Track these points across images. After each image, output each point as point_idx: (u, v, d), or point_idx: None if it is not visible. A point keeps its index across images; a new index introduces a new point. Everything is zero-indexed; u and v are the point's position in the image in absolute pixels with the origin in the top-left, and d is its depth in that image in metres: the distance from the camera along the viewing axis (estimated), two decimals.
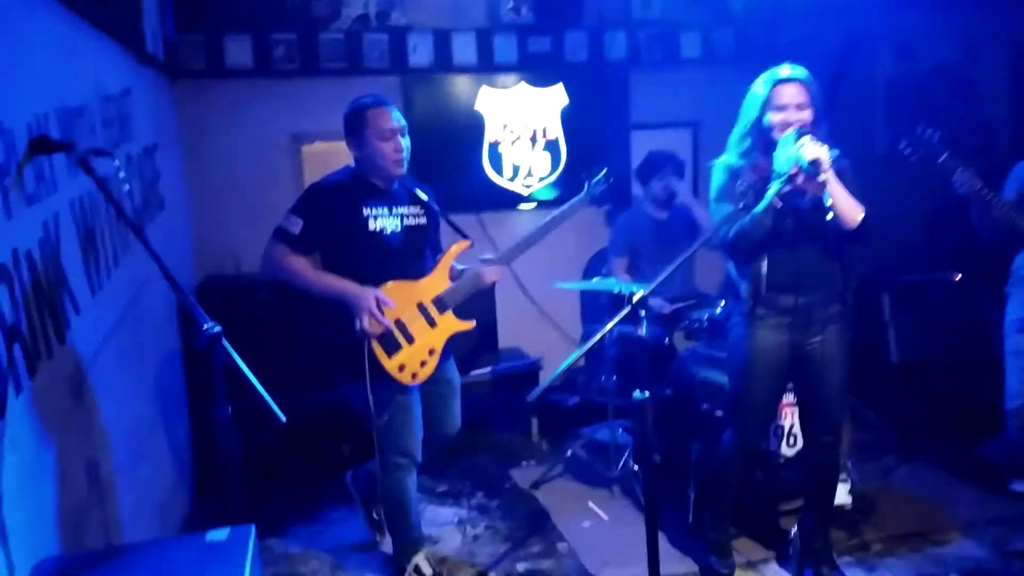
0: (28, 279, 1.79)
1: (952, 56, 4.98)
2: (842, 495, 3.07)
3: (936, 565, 2.78)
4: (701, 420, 3.13)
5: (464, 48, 4.28)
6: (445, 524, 3.28)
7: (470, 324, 2.75)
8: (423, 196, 2.74)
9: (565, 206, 2.94)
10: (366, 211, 2.59)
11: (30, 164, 1.84)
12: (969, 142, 4.75)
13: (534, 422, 4.06)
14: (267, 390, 1.76)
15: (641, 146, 4.45)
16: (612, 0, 4.48)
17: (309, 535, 3.19)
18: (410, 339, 2.59)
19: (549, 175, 4.51)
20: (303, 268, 2.58)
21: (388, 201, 2.65)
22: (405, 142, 2.62)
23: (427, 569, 2.76)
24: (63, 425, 1.95)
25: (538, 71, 4.40)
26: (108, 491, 2.26)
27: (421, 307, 2.64)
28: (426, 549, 2.85)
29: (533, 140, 4.47)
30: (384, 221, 2.62)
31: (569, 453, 3.64)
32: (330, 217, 2.58)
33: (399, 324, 2.58)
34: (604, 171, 3.02)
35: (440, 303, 2.68)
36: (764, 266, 2.45)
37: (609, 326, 1.96)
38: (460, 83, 4.33)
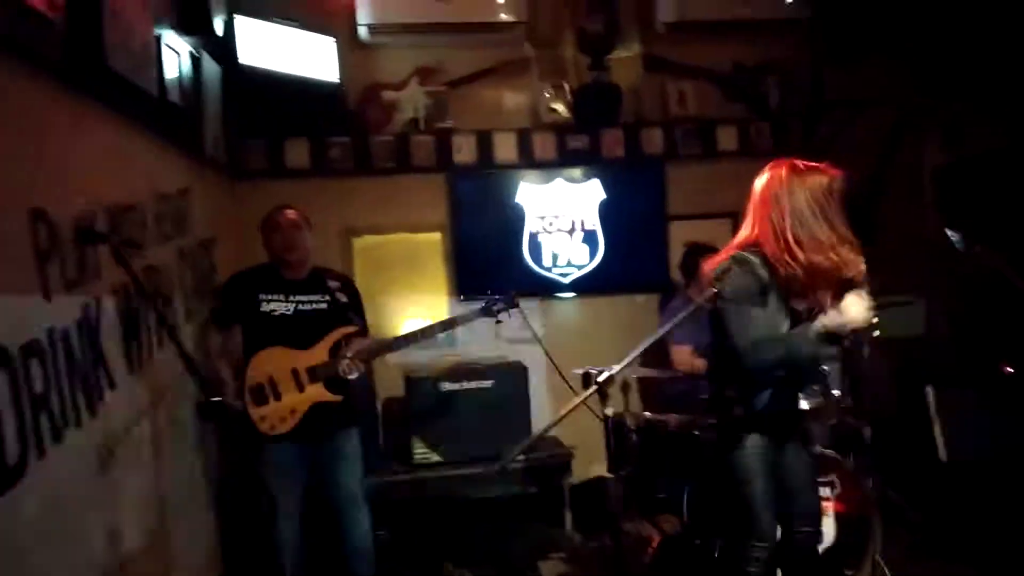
0: (63, 355, 2.01)
1: (999, 142, 4.91)
2: None
3: None
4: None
5: (505, 146, 4.52)
6: None
7: (336, 397, 3.17)
8: (332, 285, 3.27)
9: (456, 316, 3.46)
10: (261, 296, 3.20)
11: (74, 252, 2.10)
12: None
13: (568, 515, 4.02)
14: None
15: (679, 236, 4.55)
16: (649, 99, 4.68)
17: None
18: (277, 397, 3.10)
19: (587, 264, 4.62)
20: (212, 345, 3.21)
21: (289, 289, 3.23)
22: (300, 239, 3.24)
23: None
24: (86, 492, 2.13)
25: (576, 166, 4.60)
26: (132, 561, 2.39)
27: (295, 372, 3.14)
28: None
29: (571, 232, 4.62)
30: (276, 305, 3.21)
31: (596, 544, 3.60)
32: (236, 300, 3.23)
33: (271, 382, 3.10)
34: (511, 294, 3.38)
35: (312, 373, 3.15)
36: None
37: (573, 405, 2.01)
38: (502, 177, 4.56)
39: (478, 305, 3.38)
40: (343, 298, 3.27)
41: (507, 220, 4.55)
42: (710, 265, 2.40)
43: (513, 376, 4.04)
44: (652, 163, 4.65)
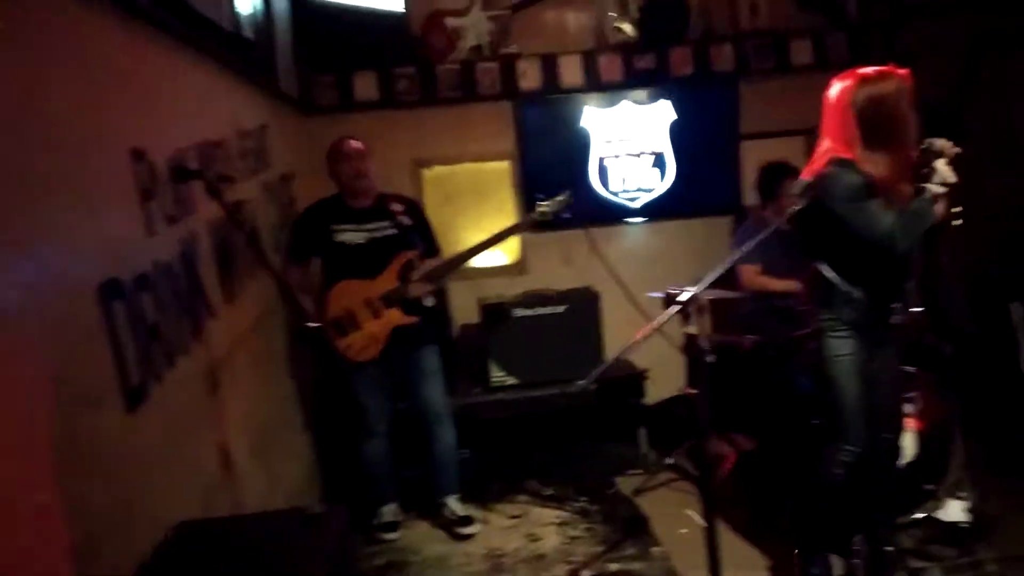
0: (168, 286, 2.15)
1: None
2: (958, 512, 2.94)
3: None
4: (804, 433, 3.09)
5: (570, 70, 4.46)
6: (547, 524, 3.43)
7: (413, 319, 3.28)
8: (395, 209, 3.29)
9: (506, 228, 3.44)
10: (334, 227, 3.30)
11: (171, 189, 2.21)
12: None
13: (643, 433, 4.11)
14: None
15: (751, 156, 4.45)
16: (718, 12, 4.52)
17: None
18: (357, 326, 3.22)
19: (656, 188, 4.58)
20: (291, 278, 3.26)
21: (357, 218, 3.31)
22: (366, 167, 3.31)
23: (391, 516, 3.43)
24: (198, 412, 2.30)
25: (643, 87, 4.51)
26: (238, 474, 2.58)
27: (368, 301, 3.25)
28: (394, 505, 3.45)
29: (639, 155, 4.56)
30: (350, 235, 3.30)
31: (671, 461, 3.68)
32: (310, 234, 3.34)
33: (349, 313, 3.22)
34: (567, 194, 3.40)
35: (386, 299, 3.26)
36: (885, 275, 2.44)
37: (657, 323, 2.05)
38: (567, 102, 4.51)
39: (524, 219, 3.50)
40: (407, 221, 3.33)
41: (574, 146, 4.52)
42: (806, 174, 2.47)
43: (585, 302, 4.09)
44: (723, 80, 4.53)
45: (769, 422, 3.40)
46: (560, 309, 4.04)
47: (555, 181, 4.43)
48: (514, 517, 3.54)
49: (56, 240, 1.63)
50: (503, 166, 4.56)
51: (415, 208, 3.49)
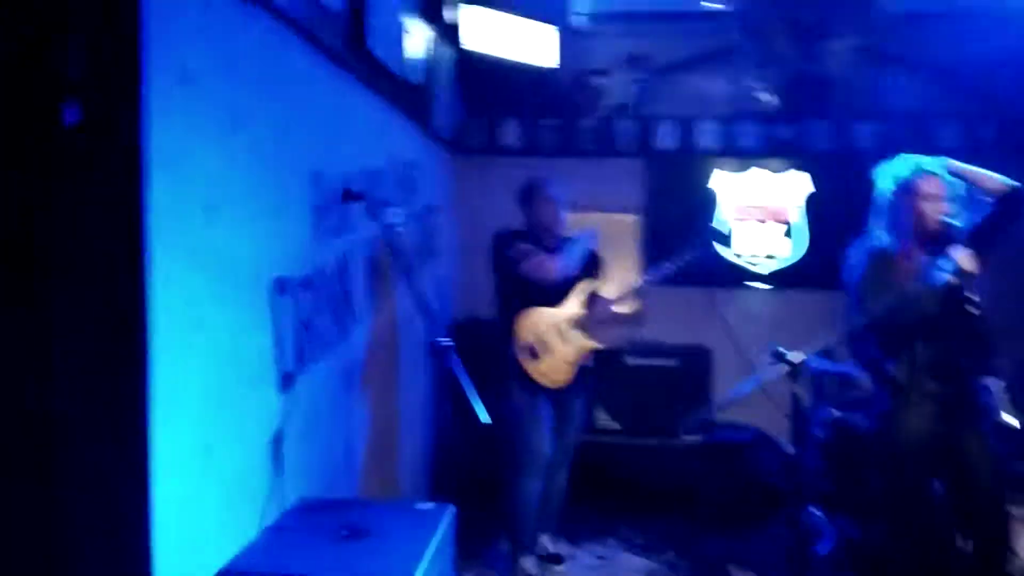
0: (325, 289, 2.45)
1: None
2: None
3: None
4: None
5: (707, 133, 4.61)
6: (631, 570, 3.50)
7: (597, 344, 3.35)
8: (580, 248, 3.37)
9: (685, 253, 3.56)
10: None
11: (337, 207, 2.54)
12: None
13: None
14: None
15: None
16: (861, 91, 4.55)
17: None
18: (549, 351, 3.29)
19: (783, 256, 4.61)
20: None
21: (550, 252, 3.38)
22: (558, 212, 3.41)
23: (533, 570, 3.33)
24: (332, 404, 2.57)
25: (779, 157, 4.59)
26: (358, 467, 2.84)
27: (557, 327, 3.33)
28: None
29: (763, 221, 4.62)
30: None
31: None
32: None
33: (539, 339, 3.29)
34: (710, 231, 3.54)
35: (577, 324, 3.33)
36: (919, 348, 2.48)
37: (766, 377, 2.13)
38: (700, 164, 4.66)
39: (689, 251, 3.61)
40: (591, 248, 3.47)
41: (701, 206, 4.64)
42: None
43: (697, 357, 4.16)
44: (863, 158, 4.52)
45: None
46: (672, 362, 4.13)
47: (678, 238, 4.62)
48: (600, 558, 3.62)
49: (244, 240, 1.95)
50: (628, 219, 4.73)
51: (594, 235, 3.56)
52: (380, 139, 3.15)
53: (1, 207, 1.37)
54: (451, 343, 2.28)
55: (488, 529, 3.61)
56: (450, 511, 2.22)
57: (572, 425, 3.48)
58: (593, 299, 3.42)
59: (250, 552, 1.88)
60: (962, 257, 2.41)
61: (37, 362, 1.39)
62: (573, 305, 3.40)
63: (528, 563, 3.36)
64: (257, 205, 2.03)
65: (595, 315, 3.39)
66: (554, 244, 3.41)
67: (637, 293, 3.49)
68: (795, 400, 2.22)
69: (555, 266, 3.27)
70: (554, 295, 3.36)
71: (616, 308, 3.42)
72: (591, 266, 3.46)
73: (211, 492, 1.80)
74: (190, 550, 1.70)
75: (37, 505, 1.40)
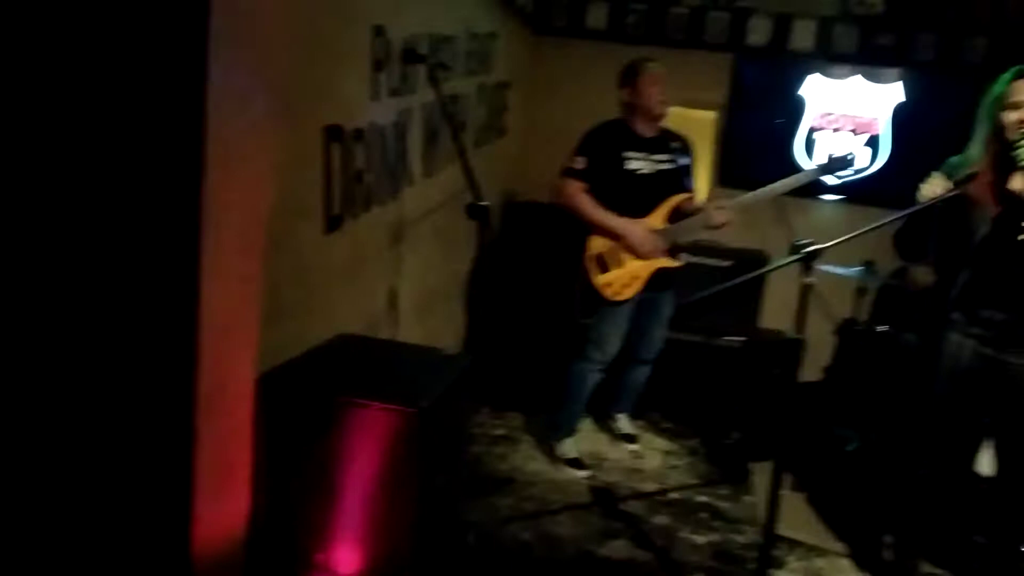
0: (379, 146, 2.59)
1: None
2: None
3: None
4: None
5: (803, 33, 4.40)
6: (654, 449, 3.67)
7: (676, 263, 3.29)
8: (674, 146, 3.24)
9: (807, 172, 3.31)
10: (625, 154, 3.22)
11: (399, 67, 2.63)
12: None
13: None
14: None
15: None
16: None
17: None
18: (619, 264, 3.21)
19: (863, 170, 4.45)
20: (587, 202, 3.22)
21: (645, 147, 3.24)
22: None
23: (572, 453, 3.40)
24: (378, 256, 2.76)
25: (878, 65, 4.34)
26: (398, 320, 3.05)
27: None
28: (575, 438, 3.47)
29: (855, 132, 4.44)
30: (639, 163, 3.23)
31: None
32: (600, 157, 3.21)
33: (612, 250, 3.22)
34: (850, 156, 3.27)
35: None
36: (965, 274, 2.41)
37: (779, 264, 2.16)
38: (790, 66, 4.46)
39: (817, 164, 3.47)
40: (683, 160, 3.33)
41: (787, 111, 4.49)
42: None
43: (752, 263, 4.13)
44: (969, 73, 4.24)
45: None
46: (725, 263, 4.13)
47: (757, 141, 4.51)
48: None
49: (298, 85, 2.08)
50: (709, 116, 4.63)
51: (688, 146, 3.41)
52: (456, 6, 3.18)
53: None
54: (487, 204, 2.38)
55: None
56: (467, 361, 2.40)
57: (659, 323, 3.46)
58: (677, 214, 3.29)
59: (287, 364, 2.11)
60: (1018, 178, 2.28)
61: None
62: (657, 218, 3.28)
63: (566, 446, 3.42)
64: (313, 49, 2.14)
65: (680, 233, 3.27)
66: (651, 139, 3.28)
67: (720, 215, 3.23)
68: (804, 293, 2.24)
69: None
70: (643, 202, 3.25)
71: (692, 231, 3.29)
72: (687, 176, 3.34)
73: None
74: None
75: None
